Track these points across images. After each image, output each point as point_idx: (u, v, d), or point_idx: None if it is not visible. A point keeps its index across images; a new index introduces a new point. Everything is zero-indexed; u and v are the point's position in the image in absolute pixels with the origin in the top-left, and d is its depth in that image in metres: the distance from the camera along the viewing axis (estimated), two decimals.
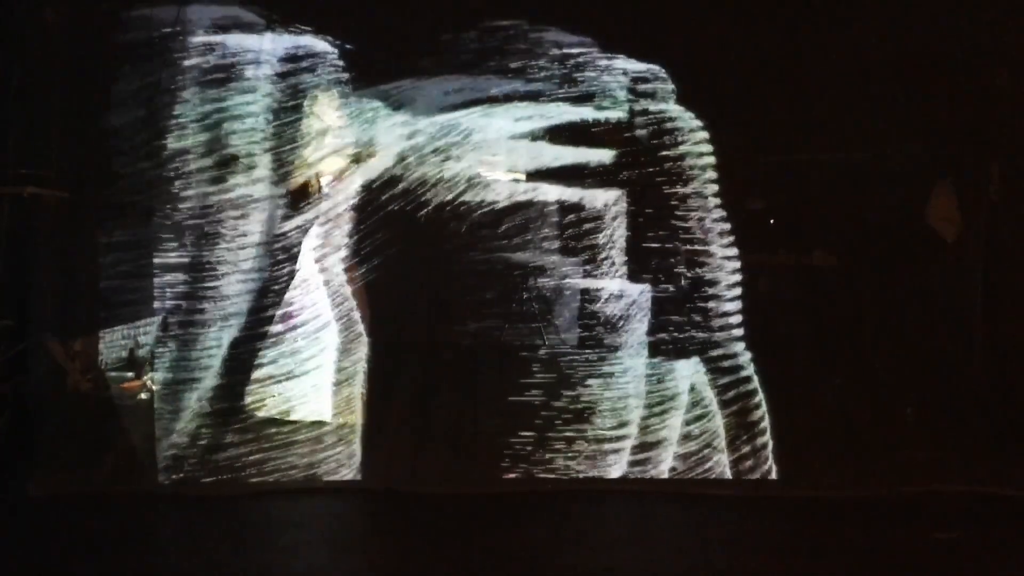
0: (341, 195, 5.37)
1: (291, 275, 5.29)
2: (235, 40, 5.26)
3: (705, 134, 5.35)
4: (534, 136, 5.39)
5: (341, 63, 5.31)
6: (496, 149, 5.41)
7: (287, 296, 5.30)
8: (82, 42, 5.23)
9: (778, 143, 5.58)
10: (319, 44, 5.31)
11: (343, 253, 5.35)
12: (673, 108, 5.37)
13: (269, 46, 5.28)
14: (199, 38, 5.22)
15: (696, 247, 5.34)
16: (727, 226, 5.35)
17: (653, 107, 5.38)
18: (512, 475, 5.17)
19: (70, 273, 5.30)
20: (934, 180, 5.62)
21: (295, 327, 5.31)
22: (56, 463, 5.04)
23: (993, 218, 5.58)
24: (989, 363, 5.57)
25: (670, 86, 5.38)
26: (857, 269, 5.55)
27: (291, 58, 5.30)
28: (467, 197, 5.36)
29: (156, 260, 5.18)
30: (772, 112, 5.45)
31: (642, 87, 5.39)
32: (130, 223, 5.22)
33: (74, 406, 5.25)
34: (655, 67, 5.38)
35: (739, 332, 5.30)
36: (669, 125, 5.36)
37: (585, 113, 5.38)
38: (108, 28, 5.16)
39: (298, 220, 5.31)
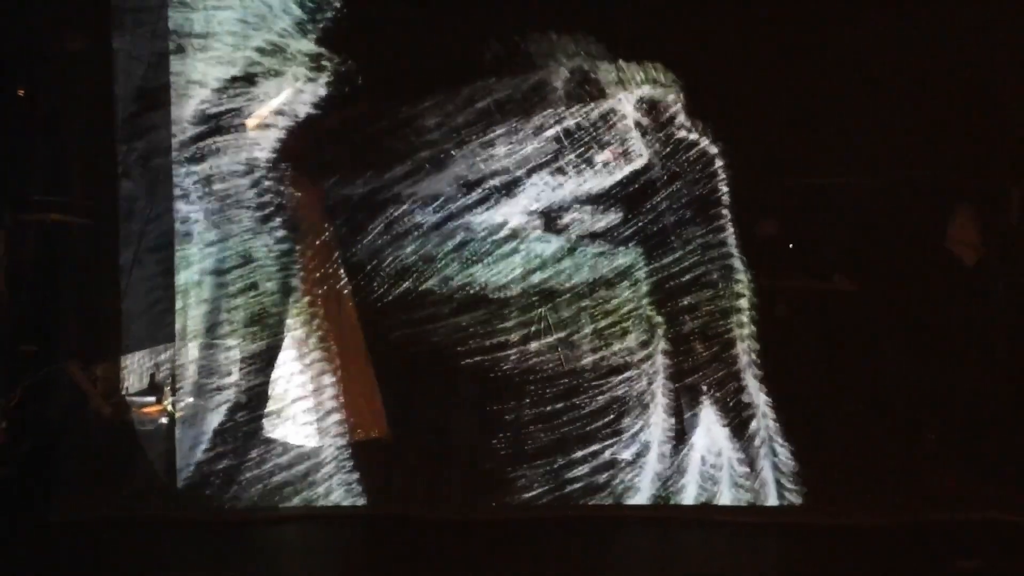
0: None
1: (291, 294, 5.29)
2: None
3: (720, 158, 5.34)
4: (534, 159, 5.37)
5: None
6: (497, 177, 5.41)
7: (294, 317, 5.31)
8: (106, 70, 5.29)
9: (797, 166, 5.56)
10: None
11: (344, 268, 5.32)
12: (685, 132, 5.35)
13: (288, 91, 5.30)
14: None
15: (712, 271, 5.33)
16: (744, 251, 5.33)
17: (664, 131, 5.37)
18: (525, 501, 5.15)
19: (92, 299, 5.36)
20: (954, 205, 5.60)
21: (306, 349, 5.32)
22: (78, 488, 5.08)
23: (1013, 242, 5.55)
24: (1012, 388, 5.51)
25: (681, 108, 5.36)
26: (877, 294, 5.51)
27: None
28: (476, 224, 5.38)
29: (177, 284, 5.22)
30: (789, 134, 5.43)
31: (651, 111, 5.38)
32: (151, 249, 5.26)
33: (96, 431, 5.29)
34: (667, 89, 5.37)
35: (758, 358, 5.27)
36: (682, 149, 5.35)
37: (591, 138, 5.38)
38: (131, 56, 5.24)
39: (297, 236, 5.31)
